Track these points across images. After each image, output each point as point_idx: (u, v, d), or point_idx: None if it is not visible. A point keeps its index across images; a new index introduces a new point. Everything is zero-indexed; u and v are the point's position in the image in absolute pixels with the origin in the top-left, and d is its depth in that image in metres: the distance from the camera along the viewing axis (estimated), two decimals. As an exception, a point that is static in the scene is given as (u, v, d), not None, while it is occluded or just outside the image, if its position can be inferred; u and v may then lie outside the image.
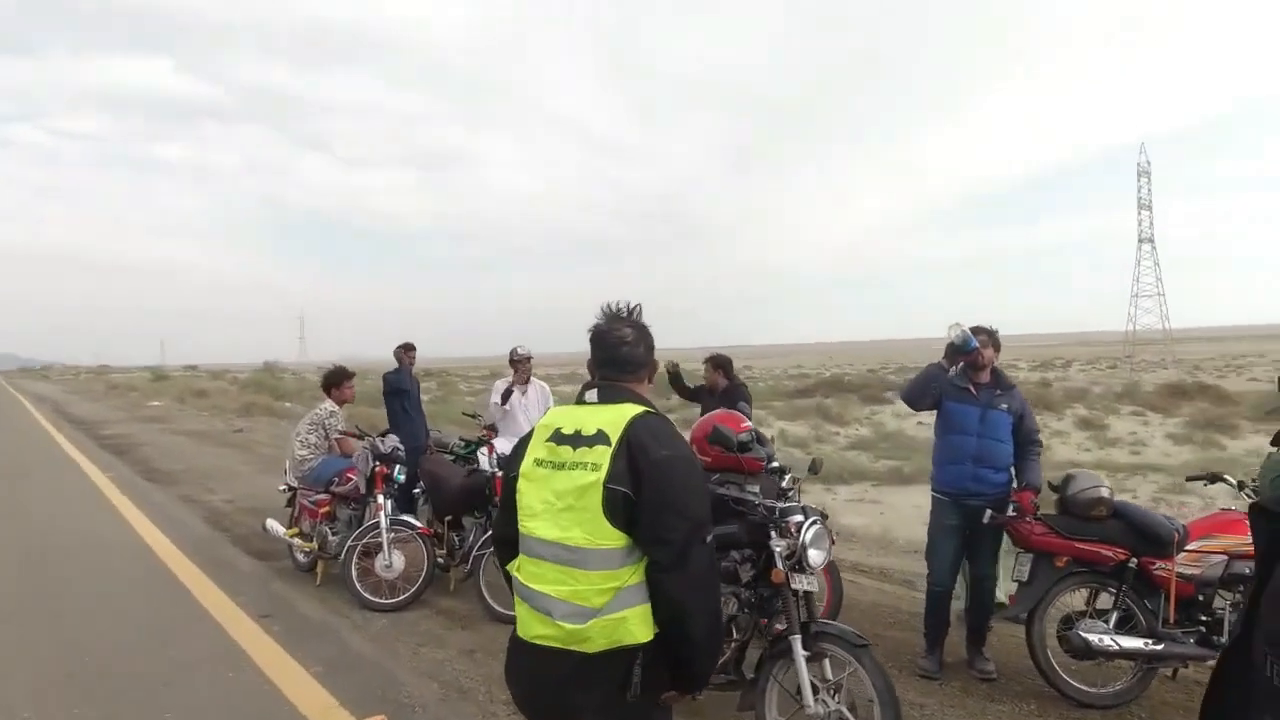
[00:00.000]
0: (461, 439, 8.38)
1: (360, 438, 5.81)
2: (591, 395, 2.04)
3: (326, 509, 5.91)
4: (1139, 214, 58.25)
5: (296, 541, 6.07)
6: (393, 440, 5.77)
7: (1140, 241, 59.58)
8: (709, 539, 1.93)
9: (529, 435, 2.05)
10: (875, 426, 20.47)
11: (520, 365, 6.65)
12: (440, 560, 5.70)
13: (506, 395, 6.67)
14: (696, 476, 1.96)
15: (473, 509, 5.70)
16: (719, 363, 6.24)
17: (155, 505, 9.21)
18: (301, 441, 5.98)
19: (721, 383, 6.21)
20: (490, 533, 5.41)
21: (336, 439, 6.00)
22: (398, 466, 5.71)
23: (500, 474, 5.46)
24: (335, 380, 6.13)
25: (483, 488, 5.54)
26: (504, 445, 6.38)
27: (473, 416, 8.47)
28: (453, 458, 8.33)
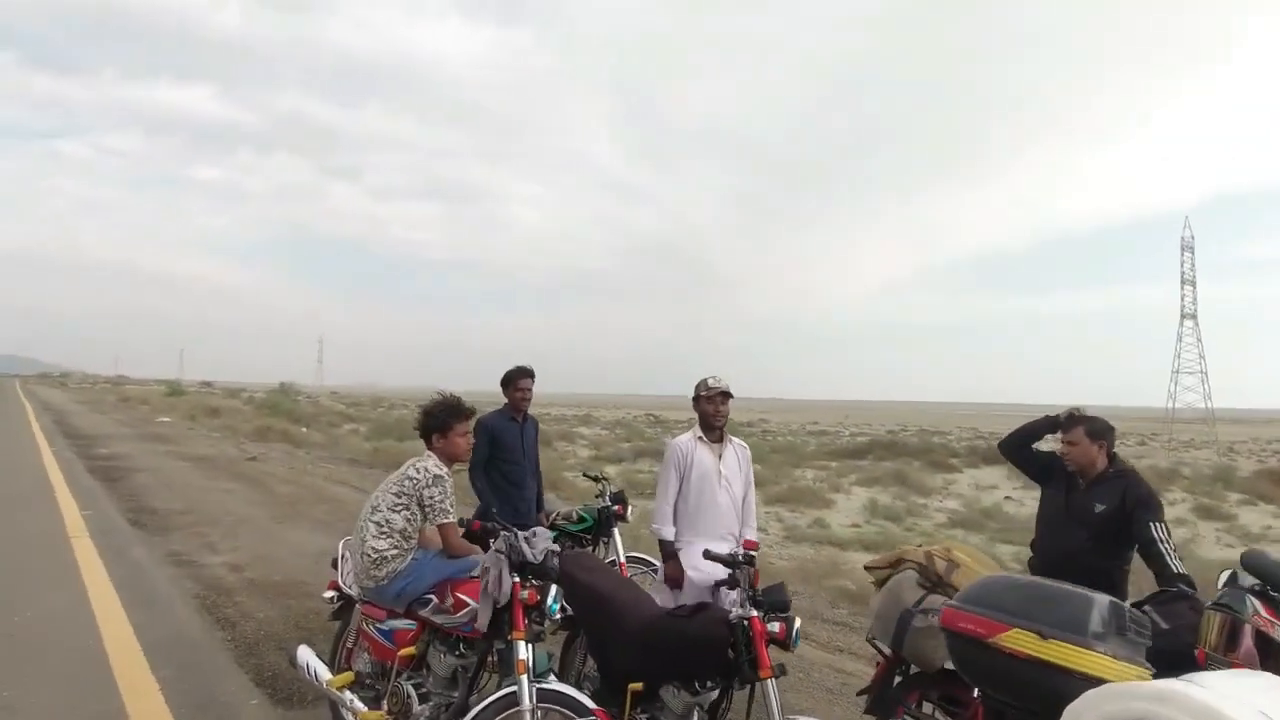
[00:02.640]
0: (578, 511, 5.72)
1: (489, 534, 3.12)
2: None
3: (411, 649, 3.22)
4: (1182, 289, 56.34)
5: (349, 697, 3.33)
6: (544, 539, 3.10)
7: (1183, 317, 57.32)
8: None
9: None
10: (962, 499, 17.68)
11: (716, 406, 3.92)
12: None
13: (686, 463, 3.92)
14: None
15: (689, 675, 2.97)
16: (1097, 430, 3.54)
17: (132, 569, 6.48)
18: (381, 524, 3.29)
19: (1099, 463, 3.51)
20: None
21: (442, 525, 3.30)
22: (554, 590, 3.03)
23: (763, 616, 2.80)
24: (443, 421, 3.39)
25: (720, 642, 2.84)
26: (694, 552, 3.73)
27: (596, 479, 5.80)
28: (554, 535, 5.65)
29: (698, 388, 3.94)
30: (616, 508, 5.57)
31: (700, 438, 3.92)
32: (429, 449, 3.43)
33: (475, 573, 3.13)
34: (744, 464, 3.99)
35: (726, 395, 3.89)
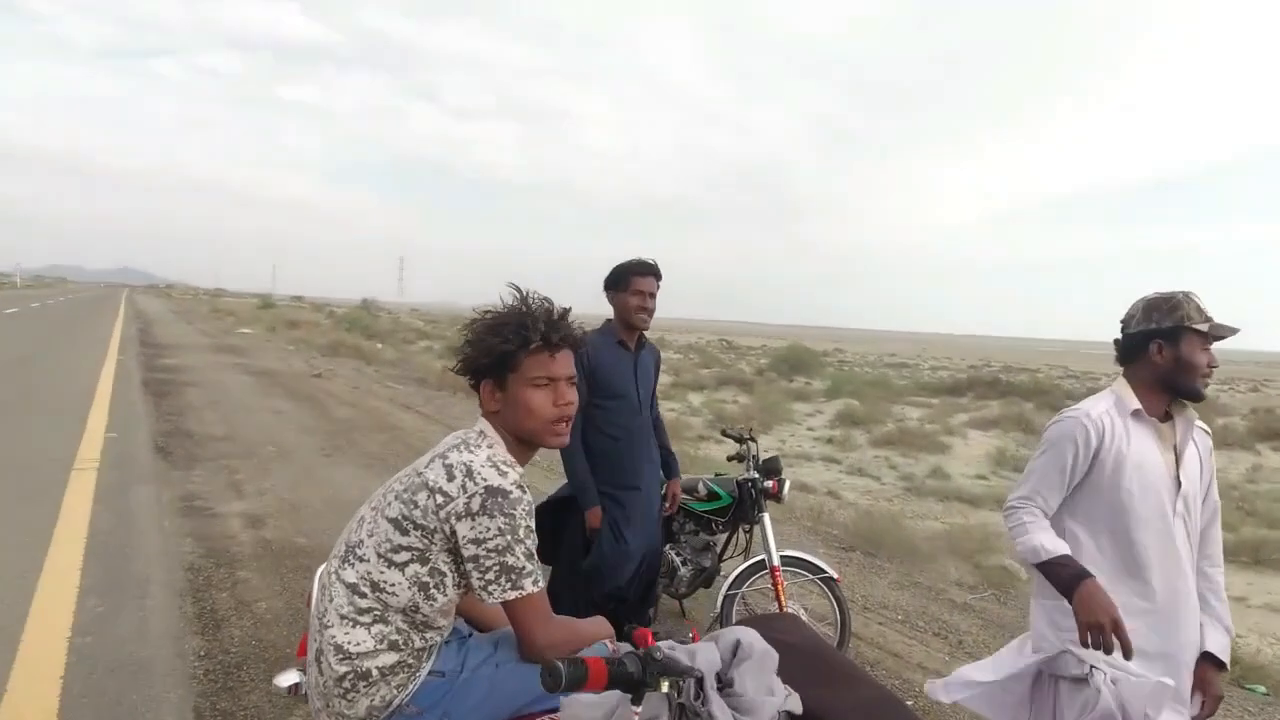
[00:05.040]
0: (708, 483, 3.84)
1: (631, 676, 1.20)
2: None
3: None
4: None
5: None
6: (764, 663, 1.19)
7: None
8: None
9: None
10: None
11: (1210, 355, 1.88)
12: None
13: (1107, 457, 1.86)
14: None
15: None
16: None
17: (123, 520, 4.99)
18: (360, 590, 1.38)
19: None
20: None
21: (512, 605, 1.36)
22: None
23: None
24: (511, 354, 1.45)
25: None
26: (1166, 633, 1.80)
27: (738, 439, 3.86)
28: (688, 518, 3.82)
29: (1170, 310, 1.84)
30: (769, 483, 3.66)
31: (1136, 411, 1.86)
32: (485, 415, 1.52)
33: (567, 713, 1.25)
34: (1207, 468, 1.93)
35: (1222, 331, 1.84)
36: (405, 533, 1.39)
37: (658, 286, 2.91)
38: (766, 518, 3.57)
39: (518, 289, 1.54)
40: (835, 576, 3.52)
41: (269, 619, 3.65)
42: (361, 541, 1.42)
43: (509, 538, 1.36)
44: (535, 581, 1.38)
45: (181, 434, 7.93)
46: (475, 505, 1.36)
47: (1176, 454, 1.85)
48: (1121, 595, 1.76)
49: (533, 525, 1.38)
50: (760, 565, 3.53)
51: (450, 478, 1.39)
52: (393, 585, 1.38)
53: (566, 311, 1.56)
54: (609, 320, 2.95)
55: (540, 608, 1.37)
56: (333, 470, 6.93)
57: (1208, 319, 1.82)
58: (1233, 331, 1.84)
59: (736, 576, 3.56)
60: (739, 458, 3.83)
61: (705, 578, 3.88)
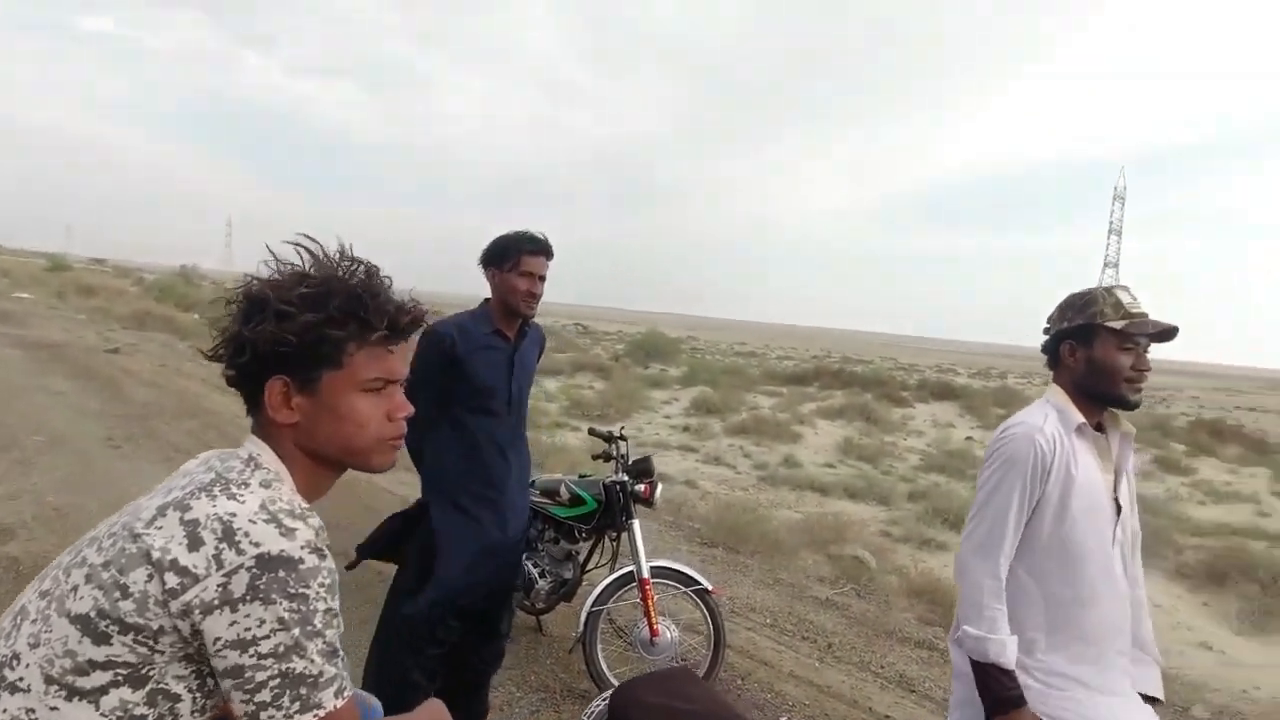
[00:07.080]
0: (571, 485, 3.44)
1: None
2: None
3: None
4: (1108, 238, 56.22)
5: None
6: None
7: (1105, 266, 57.68)
8: None
9: None
10: (924, 436, 16.34)
11: (1140, 358, 1.66)
12: None
13: (1055, 481, 1.60)
14: None
15: None
16: None
17: None
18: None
19: None
20: None
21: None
22: None
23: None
24: (319, 340, 0.96)
25: None
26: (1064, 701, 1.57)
27: (606, 438, 3.46)
28: (547, 524, 3.40)
29: (1082, 306, 1.66)
30: (641, 486, 3.32)
31: (1081, 426, 1.63)
32: (260, 432, 1.03)
33: None
34: (1133, 487, 1.74)
35: (1165, 337, 1.65)
36: (104, 640, 0.84)
37: (549, 264, 2.42)
38: (636, 525, 3.23)
39: (341, 250, 1.04)
40: (709, 588, 3.25)
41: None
42: (16, 656, 0.86)
43: (296, 632, 0.85)
44: (339, 691, 0.90)
45: (-89, 420, 6.39)
46: (238, 588, 0.84)
47: (1116, 473, 1.68)
48: (1060, 646, 1.57)
49: (336, 606, 0.90)
50: (629, 578, 3.19)
51: (194, 544, 0.85)
52: (69, 709, 0.84)
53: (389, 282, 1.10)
54: (486, 301, 2.44)
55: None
56: (119, 464, 5.83)
57: (1126, 314, 1.62)
58: (1162, 328, 1.64)
59: (603, 590, 3.21)
60: (605, 456, 3.46)
61: (566, 591, 3.50)
